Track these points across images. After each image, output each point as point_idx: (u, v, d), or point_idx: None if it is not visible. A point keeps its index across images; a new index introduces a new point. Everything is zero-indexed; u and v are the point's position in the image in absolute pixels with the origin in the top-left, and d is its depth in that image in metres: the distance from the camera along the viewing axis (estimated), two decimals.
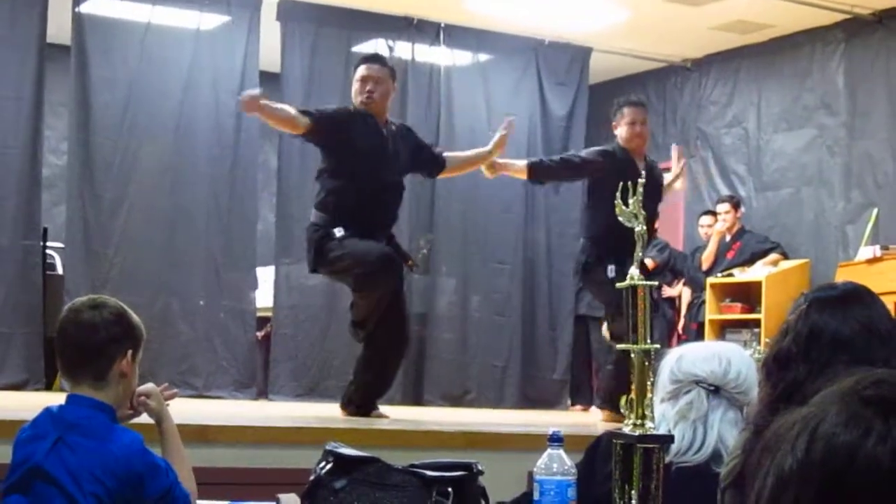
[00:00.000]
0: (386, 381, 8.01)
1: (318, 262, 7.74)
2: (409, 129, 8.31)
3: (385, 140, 7.82)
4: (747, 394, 3.46)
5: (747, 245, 11.82)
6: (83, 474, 3.44)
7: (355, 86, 7.86)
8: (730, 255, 11.82)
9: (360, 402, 7.69)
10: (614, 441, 2.78)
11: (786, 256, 11.71)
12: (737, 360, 3.53)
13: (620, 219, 2.93)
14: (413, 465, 3.62)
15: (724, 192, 12.42)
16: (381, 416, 7.72)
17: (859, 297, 2.89)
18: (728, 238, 11.87)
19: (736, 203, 11.87)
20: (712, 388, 3.49)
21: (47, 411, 3.62)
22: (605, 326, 9.25)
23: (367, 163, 7.68)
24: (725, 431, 3.44)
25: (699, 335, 11.47)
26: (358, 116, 7.77)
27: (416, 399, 11.34)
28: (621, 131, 8.84)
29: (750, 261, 11.69)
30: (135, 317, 3.72)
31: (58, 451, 3.49)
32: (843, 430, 1.24)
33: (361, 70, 7.87)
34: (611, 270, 8.36)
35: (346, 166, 7.70)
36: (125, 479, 3.47)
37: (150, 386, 3.83)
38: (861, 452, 1.23)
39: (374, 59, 8.13)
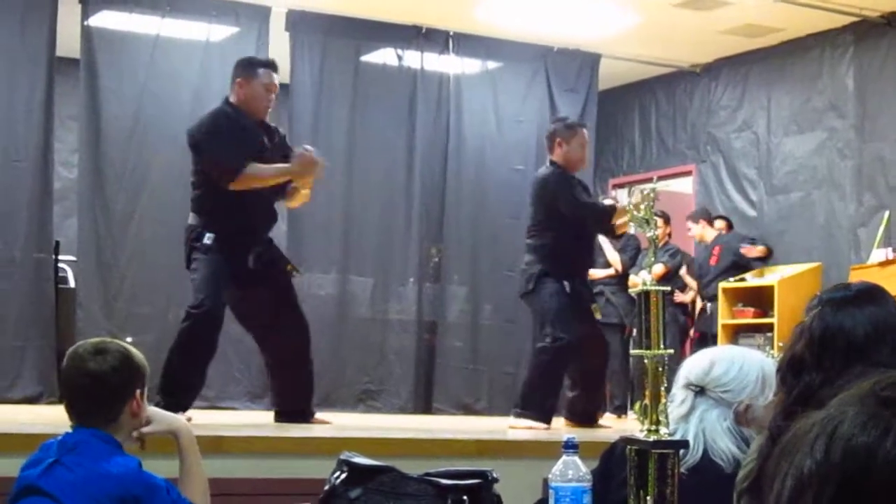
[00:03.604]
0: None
1: (188, 265, 7.58)
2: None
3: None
4: (737, 392, 3.51)
5: (727, 246, 11.94)
6: (80, 494, 3.46)
7: (261, 90, 7.57)
8: (713, 262, 11.95)
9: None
10: (629, 447, 2.78)
11: (769, 251, 11.83)
12: (723, 360, 3.59)
13: (633, 224, 2.93)
14: (427, 474, 3.62)
15: (735, 196, 12.44)
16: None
17: (873, 296, 2.88)
18: (704, 247, 12.09)
19: (708, 219, 12.09)
20: (697, 388, 3.55)
21: (56, 439, 3.65)
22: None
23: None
24: (711, 428, 3.50)
25: (702, 342, 11.52)
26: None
27: (427, 408, 11.34)
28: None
29: (734, 264, 11.82)
30: (138, 355, 3.74)
31: (52, 472, 3.52)
32: (862, 431, 1.24)
33: (271, 76, 7.61)
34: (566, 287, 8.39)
35: None
36: (123, 501, 3.48)
37: (149, 411, 3.82)
38: (880, 453, 1.22)
39: (276, 66, 7.83)
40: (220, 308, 7.49)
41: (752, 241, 12.01)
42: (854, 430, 1.25)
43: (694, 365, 3.63)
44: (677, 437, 3.35)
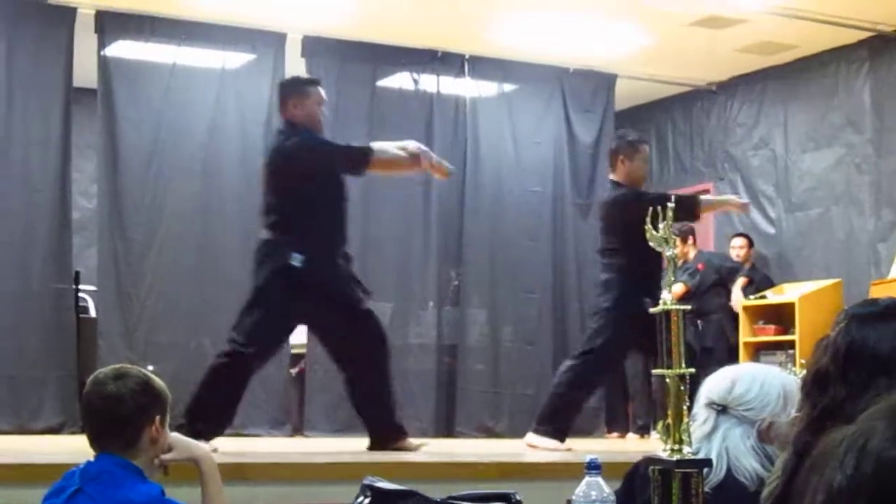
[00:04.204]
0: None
1: (261, 281, 7.40)
2: None
3: None
4: (758, 410, 3.52)
5: (709, 264, 11.98)
6: None
7: (316, 108, 7.59)
8: None
9: None
10: (652, 467, 2.77)
11: (751, 280, 11.77)
12: (745, 378, 3.59)
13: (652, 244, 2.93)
14: (451, 497, 3.61)
15: (754, 213, 12.42)
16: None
17: None
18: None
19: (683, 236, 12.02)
20: (720, 407, 3.56)
21: (78, 468, 3.65)
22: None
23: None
24: (734, 446, 3.50)
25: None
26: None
27: (448, 431, 11.31)
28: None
29: (717, 281, 11.85)
30: (158, 382, 3.74)
31: (75, 501, 3.53)
32: (892, 445, 1.24)
33: (320, 91, 7.68)
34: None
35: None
36: None
37: (171, 438, 3.81)
38: None
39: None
40: (268, 353, 7.49)
41: (731, 269, 12.01)
42: (884, 444, 1.24)
43: (715, 384, 3.62)
44: (700, 456, 3.34)
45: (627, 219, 8.09)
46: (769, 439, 3.44)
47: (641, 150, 8.61)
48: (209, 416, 7.18)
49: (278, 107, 7.69)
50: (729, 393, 3.56)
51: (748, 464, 3.46)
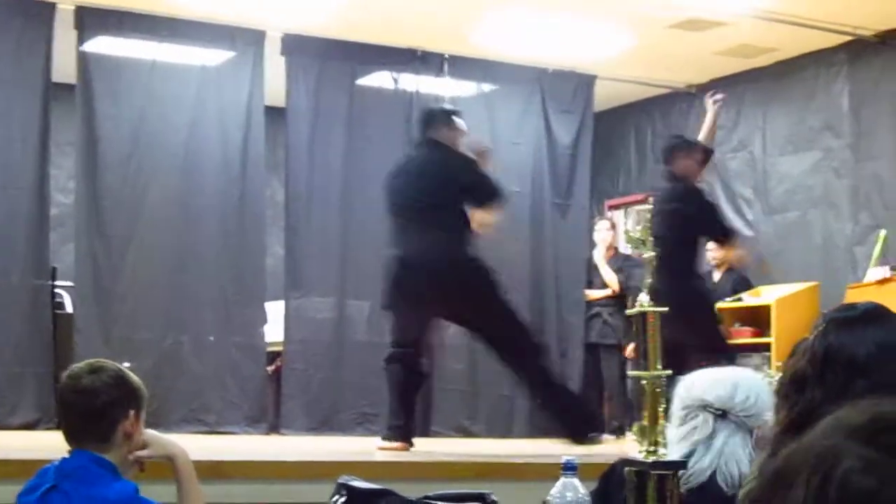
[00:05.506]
0: None
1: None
2: None
3: None
4: (758, 417, 3.49)
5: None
6: None
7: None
8: None
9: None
10: (628, 468, 2.77)
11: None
12: (745, 384, 3.56)
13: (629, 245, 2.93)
14: (426, 497, 3.62)
15: (732, 216, 12.42)
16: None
17: (878, 317, 2.87)
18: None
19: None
20: (719, 412, 3.52)
21: (53, 464, 3.65)
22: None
23: None
24: (732, 452, 3.47)
25: None
26: None
27: (425, 431, 11.29)
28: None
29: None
30: (135, 378, 3.74)
31: (49, 498, 3.52)
32: (858, 475, 1.22)
33: None
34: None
35: None
36: None
37: (146, 434, 3.81)
38: (881, 498, 1.20)
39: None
40: None
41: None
42: (850, 470, 1.22)
43: (710, 387, 3.57)
44: (695, 460, 3.35)
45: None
46: (761, 445, 3.44)
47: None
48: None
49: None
50: (731, 399, 3.52)
51: (744, 469, 3.44)
